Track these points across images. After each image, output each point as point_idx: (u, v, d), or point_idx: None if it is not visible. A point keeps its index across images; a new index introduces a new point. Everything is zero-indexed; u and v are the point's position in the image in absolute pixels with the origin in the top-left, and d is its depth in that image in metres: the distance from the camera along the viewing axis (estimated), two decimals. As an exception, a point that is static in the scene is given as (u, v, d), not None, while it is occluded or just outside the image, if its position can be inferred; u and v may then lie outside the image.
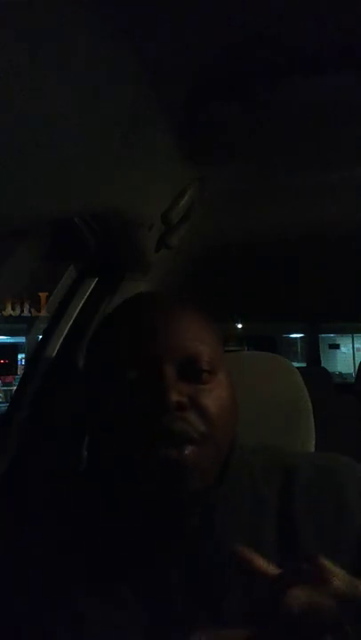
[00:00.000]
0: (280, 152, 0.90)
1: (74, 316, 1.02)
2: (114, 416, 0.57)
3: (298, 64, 0.65)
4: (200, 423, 0.55)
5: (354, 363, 8.67)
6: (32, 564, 0.57)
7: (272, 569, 0.45)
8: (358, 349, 11.00)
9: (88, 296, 1.04)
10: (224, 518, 0.58)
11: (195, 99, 0.70)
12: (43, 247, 0.86)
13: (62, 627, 0.54)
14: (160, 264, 1.09)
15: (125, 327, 0.61)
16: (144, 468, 0.55)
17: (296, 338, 8.83)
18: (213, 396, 0.58)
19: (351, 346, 11.03)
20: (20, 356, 7.37)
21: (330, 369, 4.43)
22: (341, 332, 10.05)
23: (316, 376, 2.56)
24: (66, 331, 1.01)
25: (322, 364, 4.23)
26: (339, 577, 0.43)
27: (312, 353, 4.38)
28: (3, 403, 6.45)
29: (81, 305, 1.04)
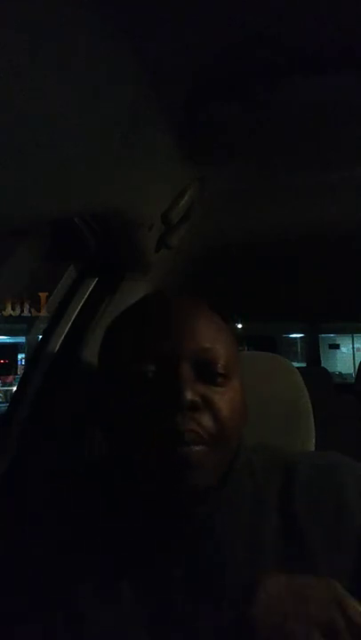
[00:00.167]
0: (280, 152, 0.90)
1: (74, 316, 1.02)
2: (127, 412, 0.57)
3: (298, 64, 0.65)
4: (211, 425, 0.56)
5: (354, 363, 8.67)
6: (32, 564, 0.58)
7: None
8: (358, 349, 11.01)
9: (88, 296, 1.04)
10: (225, 518, 0.58)
11: (195, 99, 0.70)
12: (43, 247, 0.86)
13: (62, 627, 0.54)
14: (160, 264, 1.09)
15: (144, 324, 0.61)
16: (151, 465, 0.55)
17: (296, 338, 8.84)
18: (227, 399, 0.58)
19: (351, 346, 11.04)
20: (20, 356, 7.38)
21: (330, 369, 4.43)
22: (341, 331, 10.06)
23: (316, 376, 2.56)
24: (66, 331, 1.01)
25: (322, 364, 4.23)
26: None
27: (312, 353, 4.38)
28: (3, 403, 6.45)
29: (81, 305, 1.04)
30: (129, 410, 0.57)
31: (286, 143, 0.86)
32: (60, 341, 1.00)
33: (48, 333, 1.01)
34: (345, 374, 8.26)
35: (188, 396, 0.54)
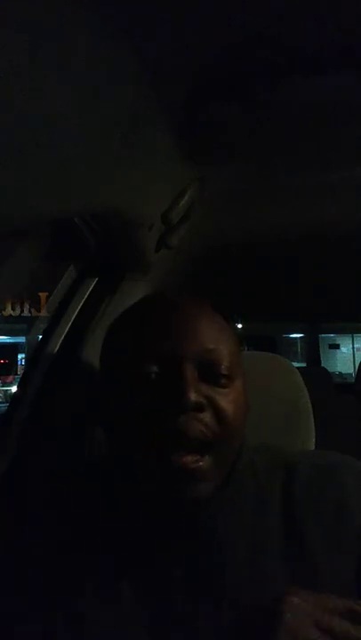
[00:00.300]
0: (280, 152, 0.90)
1: (74, 316, 1.02)
2: (129, 412, 0.57)
3: (298, 64, 0.65)
4: (215, 426, 0.56)
5: (354, 363, 8.67)
6: (32, 564, 0.58)
7: None
8: (358, 349, 11.01)
9: (88, 296, 1.04)
10: (227, 519, 0.58)
11: (195, 99, 0.70)
12: (43, 247, 0.86)
13: (62, 627, 0.54)
14: (160, 264, 1.09)
15: (147, 325, 0.61)
16: (152, 465, 0.55)
17: (296, 338, 8.84)
18: (230, 400, 0.58)
19: (351, 346, 11.04)
20: (20, 356, 7.38)
21: (330, 369, 4.42)
22: (341, 331, 10.06)
23: (316, 376, 2.56)
24: (66, 331, 1.01)
25: (322, 364, 4.23)
26: None
27: (312, 353, 4.37)
28: (3, 403, 6.46)
29: (81, 305, 1.03)
30: (131, 410, 0.57)
31: (286, 143, 0.86)
32: (60, 341, 1.00)
33: (48, 333, 1.01)
34: (345, 374, 8.27)
35: (192, 396, 0.54)
